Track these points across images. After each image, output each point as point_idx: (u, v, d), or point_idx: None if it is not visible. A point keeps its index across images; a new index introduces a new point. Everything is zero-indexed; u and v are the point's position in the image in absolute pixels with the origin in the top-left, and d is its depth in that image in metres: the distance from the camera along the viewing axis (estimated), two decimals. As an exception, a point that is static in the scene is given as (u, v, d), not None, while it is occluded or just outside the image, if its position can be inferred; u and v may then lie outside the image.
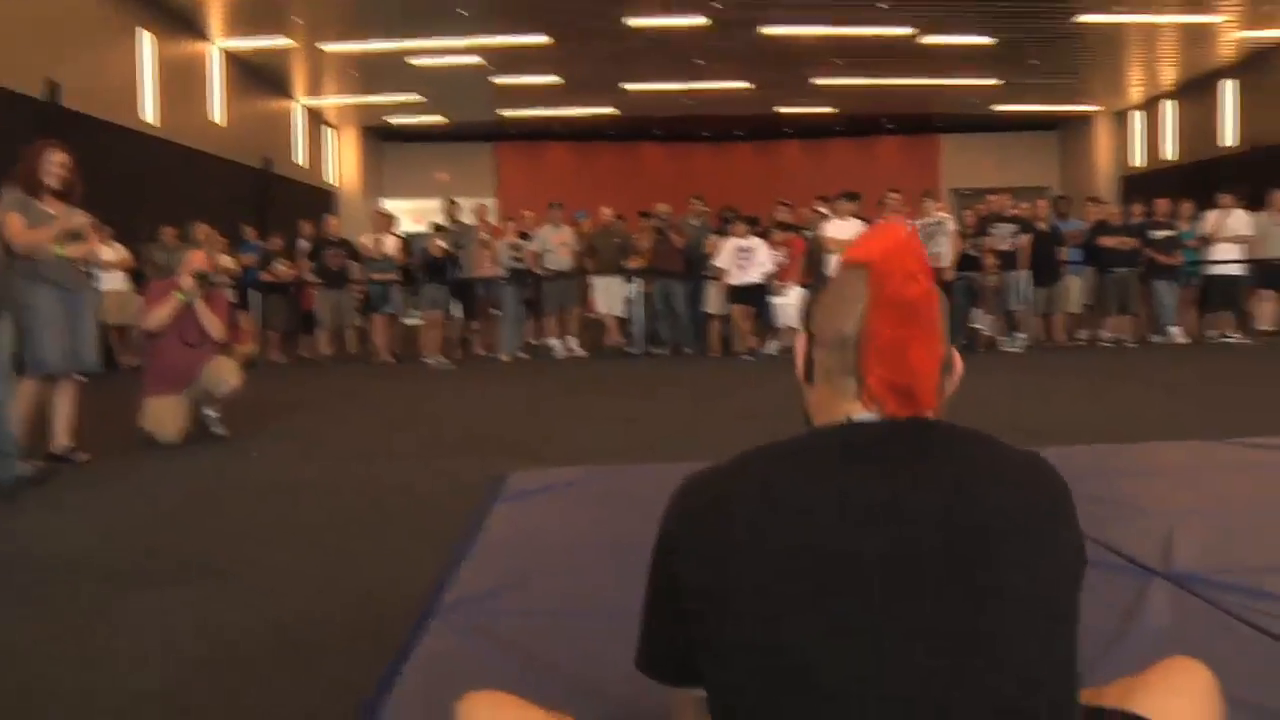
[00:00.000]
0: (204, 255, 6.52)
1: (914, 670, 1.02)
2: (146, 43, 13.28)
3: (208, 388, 6.06)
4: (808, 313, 1.27)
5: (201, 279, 6.06)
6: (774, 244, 11.39)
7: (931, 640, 1.02)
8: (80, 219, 5.49)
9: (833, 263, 11.14)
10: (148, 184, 12.81)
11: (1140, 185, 19.58)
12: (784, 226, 11.82)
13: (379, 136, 24.29)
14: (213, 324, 6.09)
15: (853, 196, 11.71)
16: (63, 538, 3.97)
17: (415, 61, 17.02)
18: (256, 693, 2.35)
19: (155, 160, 13.25)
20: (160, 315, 5.97)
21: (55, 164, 5.43)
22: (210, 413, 6.22)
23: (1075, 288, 11.85)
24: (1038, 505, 1.13)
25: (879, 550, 1.05)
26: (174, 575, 3.36)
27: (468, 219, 12.36)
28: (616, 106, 21.84)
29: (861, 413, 1.17)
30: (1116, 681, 1.37)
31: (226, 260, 11.62)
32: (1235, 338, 11.61)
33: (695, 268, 11.94)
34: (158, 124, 13.48)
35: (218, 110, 15.71)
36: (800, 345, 1.27)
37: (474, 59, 17.08)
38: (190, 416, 6.12)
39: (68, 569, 3.48)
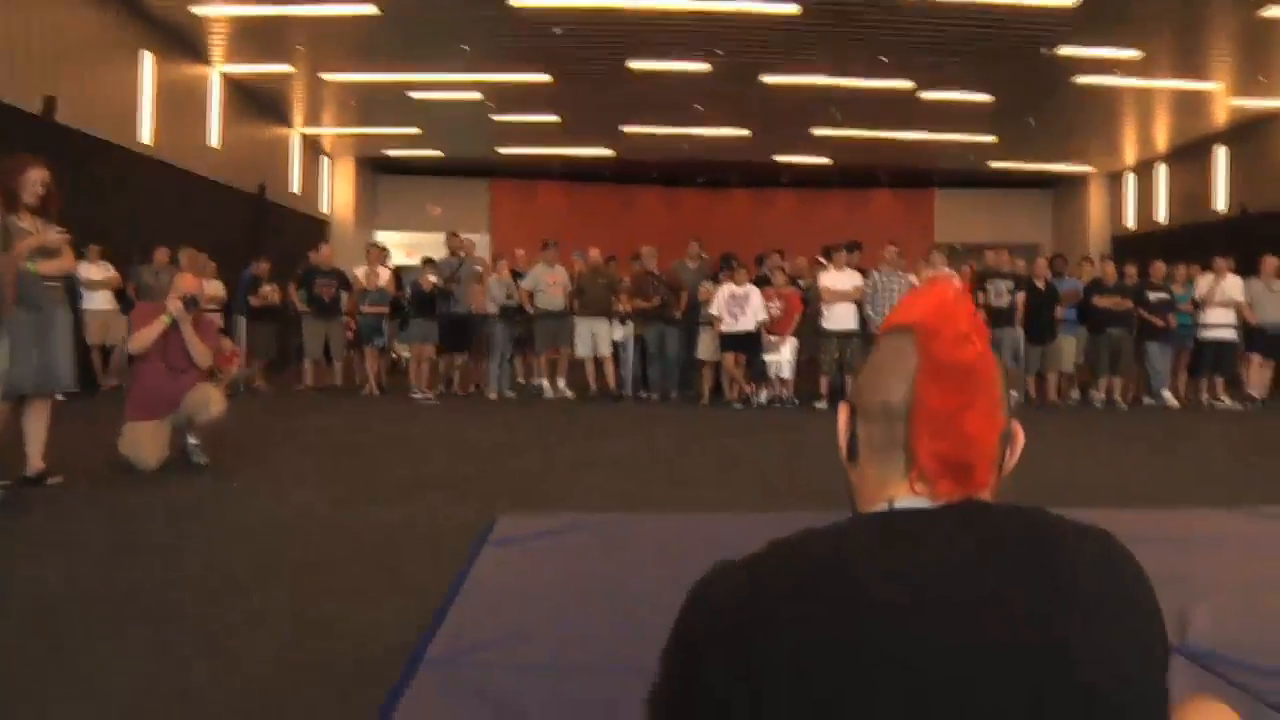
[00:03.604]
0: (193, 278, 6.39)
1: None
2: (148, 64, 13.21)
3: (190, 414, 5.91)
4: (853, 387, 1.16)
5: (190, 303, 5.94)
6: (770, 296, 11.32)
7: None
8: (55, 235, 5.30)
9: (825, 311, 11.13)
10: (141, 205, 12.69)
11: (1131, 246, 19.65)
12: (792, 281, 11.77)
13: (374, 168, 24.23)
14: (199, 350, 5.96)
15: (853, 247, 11.70)
16: (30, 568, 3.81)
17: (415, 95, 17.00)
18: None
19: (149, 181, 13.13)
20: (145, 338, 5.84)
21: (34, 180, 5.25)
22: (192, 440, 6.06)
23: (1070, 347, 11.80)
24: (1125, 598, 1.00)
25: (935, 663, 0.91)
26: (142, 616, 3.20)
27: (457, 253, 12.24)
28: (613, 149, 21.85)
29: (906, 496, 1.05)
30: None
31: (215, 285, 11.52)
32: (1227, 402, 11.58)
33: (690, 313, 11.89)
34: (153, 145, 13.38)
35: (215, 134, 15.63)
36: (843, 419, 1.15)
37: (474, 95, 17.06)
38: (171, 443, 5.97)
39: (33, 604, 3.33)
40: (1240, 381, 11.95)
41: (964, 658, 0.90)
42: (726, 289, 11.32)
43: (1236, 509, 4.94)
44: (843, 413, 1.15)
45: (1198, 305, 11.83)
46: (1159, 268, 12.05)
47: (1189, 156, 19.89)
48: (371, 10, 12.55)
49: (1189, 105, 17.03)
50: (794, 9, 12.66)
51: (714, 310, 11.34)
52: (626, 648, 2.88)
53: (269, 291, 12.11)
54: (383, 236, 20.71)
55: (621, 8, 12.85)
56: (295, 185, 19.90)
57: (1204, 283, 11.87)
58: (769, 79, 15.89)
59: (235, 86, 16.34)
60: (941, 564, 0.96)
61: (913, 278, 11.46)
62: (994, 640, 0.91)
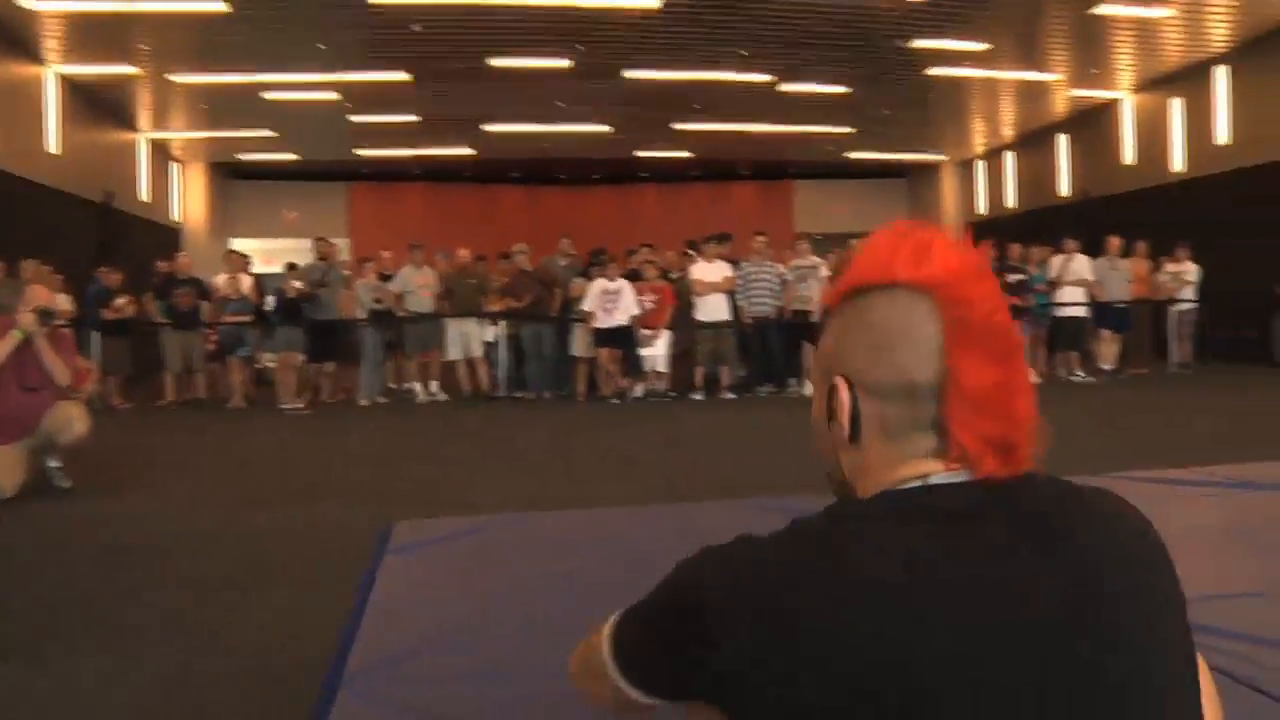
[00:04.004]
0: (45, 290, 6.01)
1: None
2: (-28, 64, 12.42)
3: (52, 434, 5.55)
4: (837, 353, 1.03)
5: (44, 316, 5.57)
6: (643, 290, 11.33)
7: None
8: None
9: (698, 303, 11.21)
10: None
11: (983, 231, 20.31)
12: (663, 274, 11.80)
13: (228, 173, 23.36)
14: (56, 366, 5.59)
15: (723, 239, 11.81)
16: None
17: (268, 96, 16.45)
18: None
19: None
20: (-4, 355, 5.45)
21: None
22: (53, 463, 5.71)
23: (934, 329, 12.17)
24: (1151, 563, 0.98)
25: (995, 654, 0.87)
26: (24, 647, 2.98)
27: (326, 259, 11.89)
28: (474, 148, 21.60)
29: (942, 472, 0.97)
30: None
31: (64, 299, 10.91)
32: (1081, 376, 12.14)
33: (563, 310, 11.82)
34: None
35: (53, 139, 14.79)
36: (845, 398, 1.00)
37: (330, 95, 16.61)
38: (29, 468, 5.61)
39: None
40: (1092, 356, 12.55)
41: (992, 637, 0.87)
42: (598, 284, 11.28)
43: (1106, 475, 5.13)
44: (844, 391, 1.01)
45: (1052, 285, 12.37)
46: (1015, 249, 12.55)
47: (1034, 144, 20.83)
48: (221, 7, 12.07)
49: (1032, 95, 17.83)
50: (655, 4, 12.72)
51: (586, 306, 11.30)
52: (551, 648, 2.81)
53: (123, 304, 11.53)
54: (238, 244, 19.92)
55: (481, 3, 12.69)
56: (144, 193, 19.02)
57: (1056, 263, 12.43)
58: (631, 74, 15.94)
59: (75, 89, 15.49)
60: (976, 544, 0.91)
61: (781, 267, 11.66)
62: (1022, 620, 0.88)
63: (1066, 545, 0.93)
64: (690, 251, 12.40)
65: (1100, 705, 0.88)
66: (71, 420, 5.58)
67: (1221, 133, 15.13)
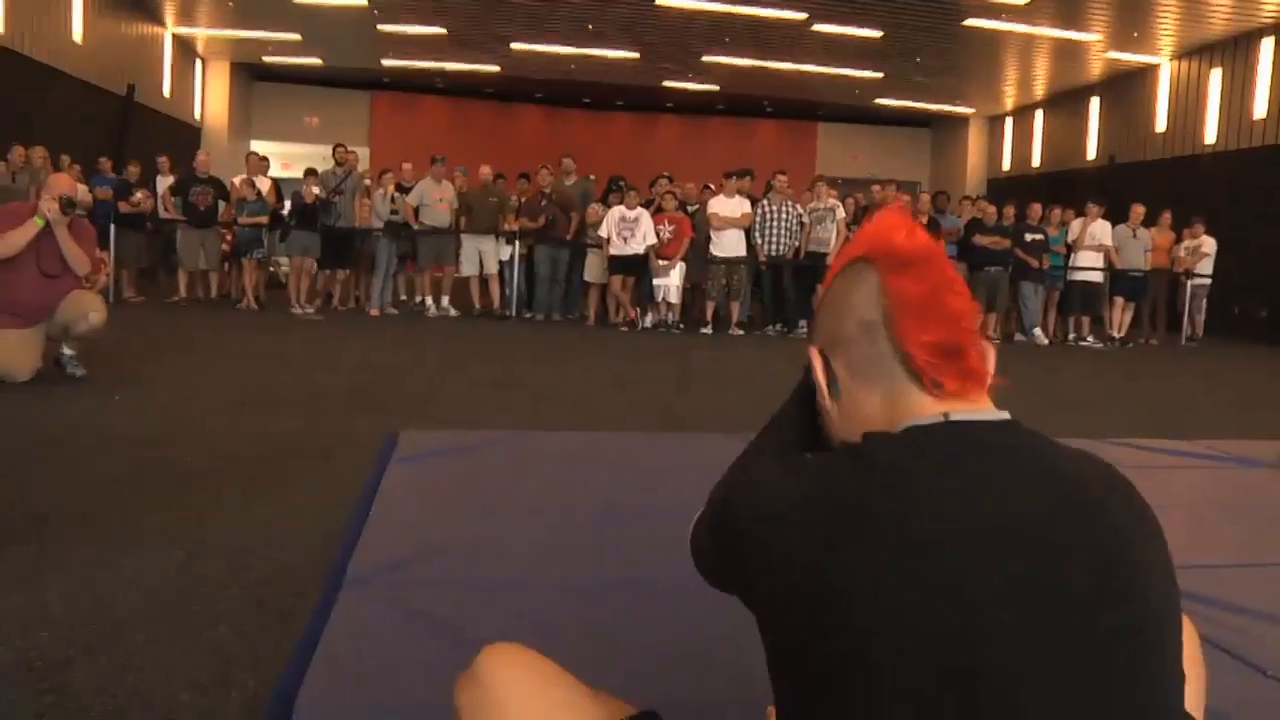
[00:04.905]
0: (69, 179, 6.01)
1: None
2: (-2, -57, 12.22)
3: (67, 323, 5.59)
4: (814, 338, 1.13)
5: (67, 205, 5.56)
6: (661, 220, 11.28)
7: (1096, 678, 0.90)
8: None
9: (715, 237, 11.18)
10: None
11: (1006, 189, 20.25)
12: (682, 206, 11.73)
13: (251, 74, 23.13)
14: (76, 256, 5.60)
15: (744, 175, 11.73)
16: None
17: (297, -2, 16.23)
18: (141, 670, 2.11)
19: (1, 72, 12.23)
20: (15, 241, 5.45)
21: None
22: (67, 351, 5.76)
23: (948, 283, 12.14)
24: (1144, 512, 1.01)
25: (1016, 606, 0.89)
26: (29, 534, 3.03)
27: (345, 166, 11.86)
28: (499, 64, 21.35)
29: (925, 415, 0.99)
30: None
31: (83, 191, 10.88)
32: (1090, 341, 12.13)
33: (579, 235, 11.80)
34: (4, 34, 12.40)
35: (77, 28, 14.63)
36: (818, 363, 1.10)
37: (360, 1, 16.39)
38: (44, 354, 5.66)
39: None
40: (1104, 321, 12.52)
41: (1014, 589, 0.89)
42: (617, 212, 11.25)
43: (1105, 440, 5.15)
44: (816, 358, 1.11)
45: (1070, 249, 12.30)
46: (1036, 209, 12.45)
47: (1065, 105, 20.53)
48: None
49: (1068, 55, 17.51)
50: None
51: (603, 233, 11.28)
52: (552, 562, 2.89)
53: (141, 198, 11.51)
54: (257, 146, 19.84)
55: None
56: (166, 89, 18.85)
57: (1076, 226, 12.34)
58: (665, 1, 15.68)
59: (100, -24, 15.30)
60: (998, 489, 0.95)
61: (800, 208, 11.59)
62: (1042, 575, 0.91)
63: (1093, 505, 0.97)
64: (711, 185, 12.35)
65: (1115, 667, 0.90)
66: (88, 310, 5.62)
67: (1260, 107, 14.88)
